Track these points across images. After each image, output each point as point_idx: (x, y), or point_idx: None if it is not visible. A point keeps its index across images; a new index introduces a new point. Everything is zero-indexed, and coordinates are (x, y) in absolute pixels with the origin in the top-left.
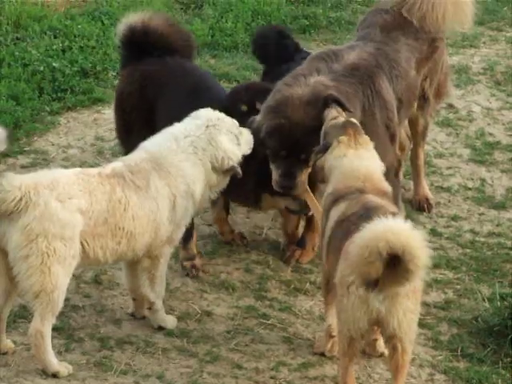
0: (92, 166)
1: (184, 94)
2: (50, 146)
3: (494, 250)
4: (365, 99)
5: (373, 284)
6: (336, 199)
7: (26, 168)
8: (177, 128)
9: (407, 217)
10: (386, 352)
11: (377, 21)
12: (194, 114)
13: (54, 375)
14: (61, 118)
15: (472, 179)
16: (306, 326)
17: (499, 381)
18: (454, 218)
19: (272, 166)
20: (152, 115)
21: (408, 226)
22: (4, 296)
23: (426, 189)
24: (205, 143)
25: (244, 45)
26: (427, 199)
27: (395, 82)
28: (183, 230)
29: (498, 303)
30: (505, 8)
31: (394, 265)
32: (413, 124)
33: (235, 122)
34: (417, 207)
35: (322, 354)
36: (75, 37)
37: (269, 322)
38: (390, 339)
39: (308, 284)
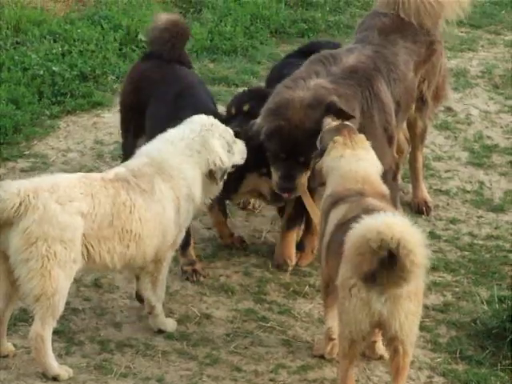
0: (91, 170)
1: (168, 99)
2: (49, 149)
3: (492, 253)
4: (363, 101)
5: (370, 279)
6: (335, 202)
7: (25, 172)
8: (172, 132)
9: None
10: (386, 354)
11: (375, 23)
12: (189, 119)
13: (55, 378)
14: (60, 121)
15: (470, 182)
16: (305, 329)
17: (498, 383)
18: (453, 221)
19: (272, 168)
20: (144, 116)
21: (405, 221)
22: (5, 300)
23: (424, 192)
24: (199, 146)
25: (243, 48)
26: (426, 202)
27: (393, 85)
28: (184, 233)
29: (497, 306)
30: (503, 11)
31: (391, 264)
32: (411, 126)
33: (230, 131)
34: (415, 210)
35: (322, 357)
36: (75, 41)
37: (268, 324)
38: (392, 341)
39: (307, 287)
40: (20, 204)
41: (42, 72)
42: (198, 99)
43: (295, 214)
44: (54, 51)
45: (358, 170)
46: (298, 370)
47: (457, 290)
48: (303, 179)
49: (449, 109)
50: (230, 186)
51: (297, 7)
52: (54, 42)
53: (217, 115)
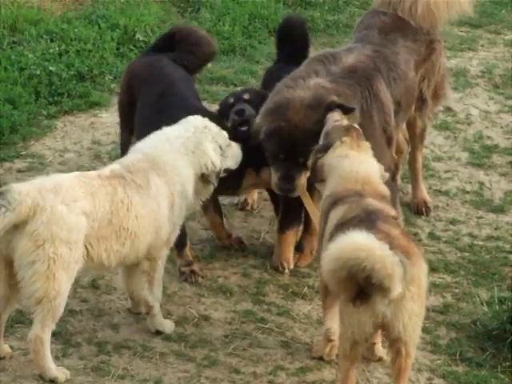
0: (89, 170)
1: (152, 98)
2: (46, 149)
3: (492, 254)
4: (363, 101)
5: (359, 301)
6: (335, 202)
7: (22, 172)
8: (167, 130)
9: (405, 220)
10: (385, 356)
11: (375, 22)
12: (184, 120)
13: (52, 381)
14: (57, 121)
15: (470, 183)
16: (304, 330)
17: None
18: (453, 222)
19: (271, 169)
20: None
21: (359, 242)
22: (3, 302)
23: (424, 192)
24: (193, 146)
25: (241, 48)
26: (425, 203)
27: (393, 85)
28: (178, 231)
29: (497, 307)
30: (503, 11)
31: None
32: (411, 126)
33: (224, 134)
34: (415, 211)
35: (321, 358)
36: (72, 40)
37: (266, 326)
38: (395, 343)
39: (306, 288)
40: (31, 206)
41: (38, 72)
42: (181, 97)
43: (288, 216)
44: (51, 51)
45: (359, 170)
46: (297, 371)
47: (457, 291)
48: (303, 180)
49: (449, 109)
50: (233, 181)
51: (295, 6)
52: (51, 41)
53: (201, 112)
